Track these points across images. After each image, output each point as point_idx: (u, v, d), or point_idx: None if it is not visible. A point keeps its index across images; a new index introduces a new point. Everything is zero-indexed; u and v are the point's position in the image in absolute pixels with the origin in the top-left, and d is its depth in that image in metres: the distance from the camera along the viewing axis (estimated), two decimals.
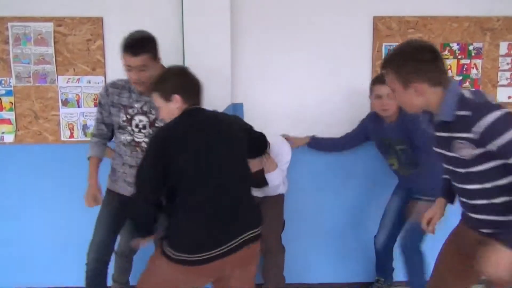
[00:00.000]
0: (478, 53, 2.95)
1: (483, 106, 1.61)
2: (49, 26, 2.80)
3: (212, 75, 2.75)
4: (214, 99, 2.75)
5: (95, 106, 2.86)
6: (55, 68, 2.83)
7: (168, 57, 2.83)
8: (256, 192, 2.59)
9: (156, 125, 2.29)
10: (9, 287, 2.95)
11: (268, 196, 2.71)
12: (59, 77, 2.84)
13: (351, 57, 2.92)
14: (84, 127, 2.88)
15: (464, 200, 1.81)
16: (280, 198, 2.77)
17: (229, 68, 2.75)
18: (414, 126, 2.34)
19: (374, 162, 2.95)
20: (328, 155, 2.95)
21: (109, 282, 2.65)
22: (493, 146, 1.58)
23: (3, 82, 2.83)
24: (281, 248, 2.78)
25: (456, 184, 1.81)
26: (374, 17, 2.89)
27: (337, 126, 2.92)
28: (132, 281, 2.77)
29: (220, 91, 2.76)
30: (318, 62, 2.90)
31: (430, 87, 1.68)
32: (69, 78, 2.84)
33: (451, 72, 2.94)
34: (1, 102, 2.85)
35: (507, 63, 2.96)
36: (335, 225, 3.05)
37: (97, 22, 2.81)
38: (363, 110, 2.94)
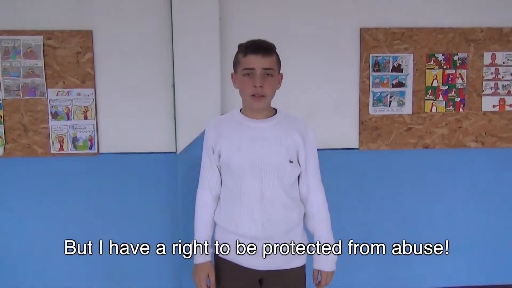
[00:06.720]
0: (463, 63, 3.01)
1: None
2: (39, 39, 2.80)
3: (202, 87, 2.78)
4: (203, 113, 2.78)
5: (85, 118, 2.87)
6: (44, 81, 2.83)
7: (157, 70, 2.88)
8: None
9: None
10: None
11: None
12: (48, 90, 2.84)
13: (339, 67, 2.96)
14: (74, 139, 2.87)
15: None
16: None
17: (219, 81, 2.78)
18: None
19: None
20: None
21: None
22: None
23: None
24: None
25: None
26: (361, 29, 2.94)
27: (324, 136, 2.94)
28: None
29: (210, 104, 2.77)
30: (306, 73, 2.94)
31: None
32: (59, 91, 2.84)
33: (437, 81, 3.00)
34: None
35: (491, 73, 3.02)
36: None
37: (87, 35, 2.82)
38: (351, 119, 2.98)
